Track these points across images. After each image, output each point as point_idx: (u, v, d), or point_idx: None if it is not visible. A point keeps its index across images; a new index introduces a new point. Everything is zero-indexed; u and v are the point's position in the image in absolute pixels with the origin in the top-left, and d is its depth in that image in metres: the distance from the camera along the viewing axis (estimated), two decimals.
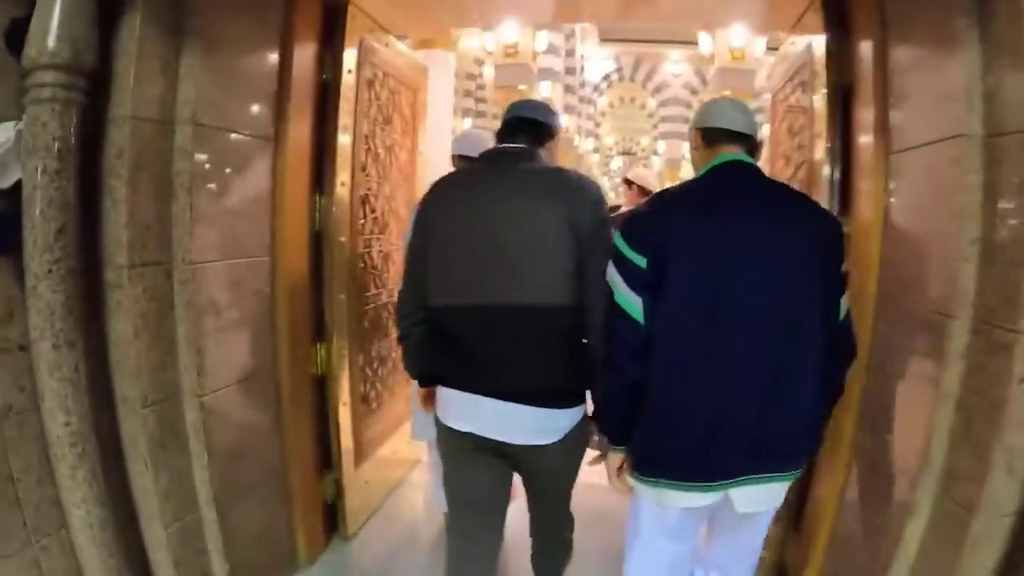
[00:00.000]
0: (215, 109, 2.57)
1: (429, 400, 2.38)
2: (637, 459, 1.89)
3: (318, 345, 3.39)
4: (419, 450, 4.64)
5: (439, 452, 2.32)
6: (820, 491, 2.82)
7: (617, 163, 41.45)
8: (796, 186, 3.11)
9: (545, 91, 20.66)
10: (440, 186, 2.25)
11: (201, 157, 2.51)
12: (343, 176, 3.34)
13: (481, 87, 23.30)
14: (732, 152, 1.90)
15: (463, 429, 2.09)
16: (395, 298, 2.94)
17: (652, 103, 28.28)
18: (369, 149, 3.68)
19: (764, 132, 3.12)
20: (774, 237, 1.75)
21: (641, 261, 1.75)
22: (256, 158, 2.91)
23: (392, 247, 4.09)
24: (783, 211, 1.84)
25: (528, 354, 1.99)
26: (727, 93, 14.83)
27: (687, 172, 29.41)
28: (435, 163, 10.53)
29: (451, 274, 2.07)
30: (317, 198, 3.30)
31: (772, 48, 17.74)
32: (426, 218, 2.17)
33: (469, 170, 2.42)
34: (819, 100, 2.97)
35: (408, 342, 2.29)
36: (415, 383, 2.77)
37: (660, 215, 1.84)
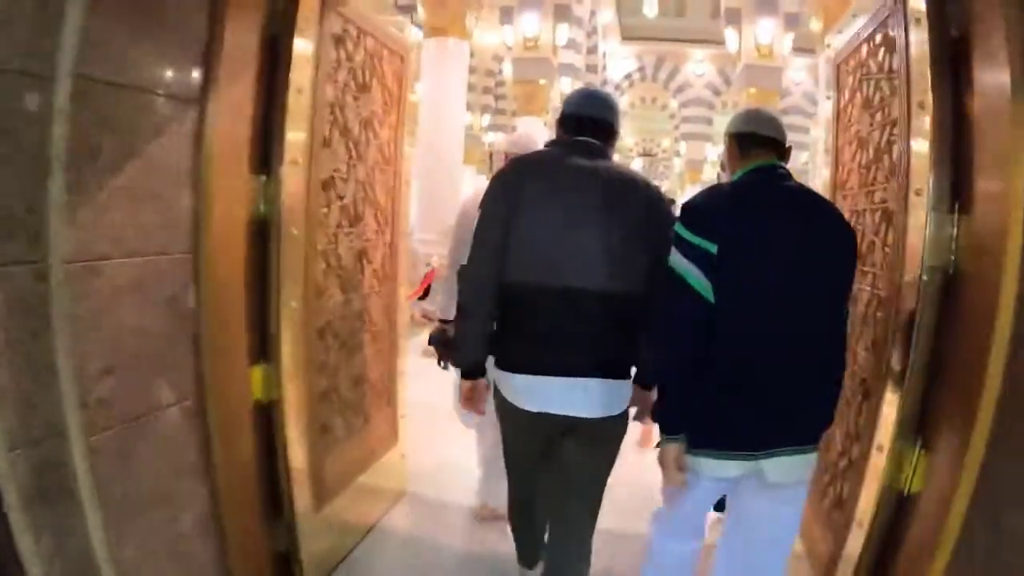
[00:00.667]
0: (112, 59, 1.87)
1: (474, 396, 2.40)
2: (698, 437, 1.99)
3: (262, 365, 2.64)
4: (404, 479, 3.93)
5: (506, 435, 2.43)
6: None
7: (637, 164, 40.87)
8: (881, 175, 2.48)
9: (566, 88, 19.80)
10: (527, 164, 2.30)
11: (88, 121, 1.81)
12: (296, 152, 2.58)
13: (500, 83, 22.74)
14: (765, 157, 2.08)
15: (537, 409, 2.18)
16: (369, 303, 2.94)
17: (674, 104, 27.57)
18: (335, 120, 2.91)
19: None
20: (805, 233, 1.95)
21: (712, 247, 1.89)
22: (173, 125, 2.18)
23: (368, 242, 3.33)
24: (811, 212, 2.04)
25: (602, 334, 2.14)
26: (752, 91, 14.15)
27: (709, 174, 28.73)
28: (444, 154, 10.23)
29: (538, 254, 2.13)
30: (262, 180, 2.54)
31: (800, 49, 17.05)
32: (515, 193, 2.18)
33: (555, 155, 2.29)
34: (918, 60, 2.18)
35: (475, 319, 2.28)
36: (456, 374, 2.77)
37: (721, 208, 1.99)
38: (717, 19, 23.86)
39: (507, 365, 2.25)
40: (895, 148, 2.38)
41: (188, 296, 2.29)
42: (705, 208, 2.01)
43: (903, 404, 2.20)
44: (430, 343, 3.54)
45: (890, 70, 2.44)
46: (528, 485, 2.52)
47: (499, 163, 3.19)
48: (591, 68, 22.20)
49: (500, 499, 3.11)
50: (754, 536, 2.15)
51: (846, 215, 2.45)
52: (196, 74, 2.25)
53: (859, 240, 2.38)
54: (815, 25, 9.42)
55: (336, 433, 3.18)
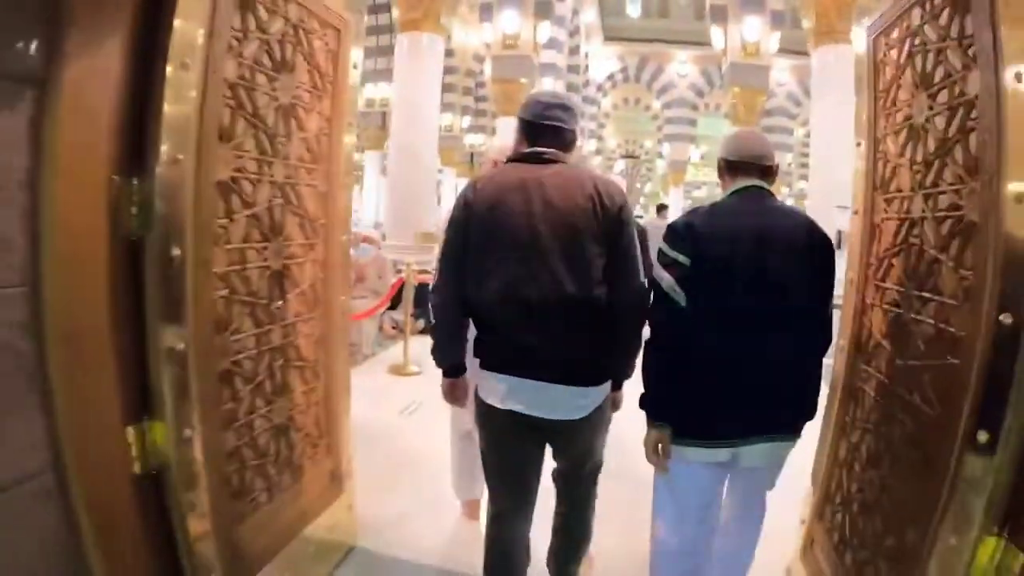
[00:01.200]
0: None
1: (454, 392, 2.52)
2: (681, 427, 2.20)
3: (143, 423, 1.97)
4: (353, 534, 3.33)
5: (481, 433, 2.44)
6: None
7: (620, 166, 40.32)
8: (951, 173, 1.89)
9: (548, 88, 19.52)
10: (482, 184, 2.31)
11: None
12: (178, 147, 1.90)
13: (481, 84, 22.23)
14: (750, 179, 2.26)
15: (510, 408, 2.24)
16: (296, 335, 2.70)
17: (657, 105, 27.07)
18: (240, 106, 2.22)
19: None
20: (782, 245, 2.13)
21: (685, 260, 2.11)
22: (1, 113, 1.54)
23: (292, 260, 2.63)
24: (788, 227, 2.19)
25: (562, 339, 2.17)
26: (737, 91, 13.59)
27: (692, 176, 28.30)
28: (419, 155, 9.66)
29: (492, 267, 2.18)
30: (134, 184, 1.87)
31: (785, 50, 16.48)
32: (470, 211, 2.25)
33: (506, 169, 2.34)
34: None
35: (446, 330, 2.39)
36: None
37: (695, 226, 2.15)
38: (701, 20, 23.63)
39: (485, 365, 2.31)
40: (973, 138, 1.75)
41: (27, 339, 1.64)
42: (682, 226, 2.18)
43: (991, 484, 1.60)
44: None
45: (962, 35, 1.81)
46: (507, 504, 2.48)
47: (488, 167, 3.13)
48: (573, 68, 21.57)
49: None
50: (739, 507, 2.50)
51: (891, 224, 2.33)
52: (35, 44, 1.61)
53: (915, 258, 2.12)
54: (807, 23, 8.98)
55: (255, 496, 2.52)
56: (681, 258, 2.11)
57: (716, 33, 14.21)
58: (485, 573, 2.53)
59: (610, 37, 24.44)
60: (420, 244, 8.92)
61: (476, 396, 2.42)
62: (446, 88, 23.12)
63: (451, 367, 2.47)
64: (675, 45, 24.46)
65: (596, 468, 2.54)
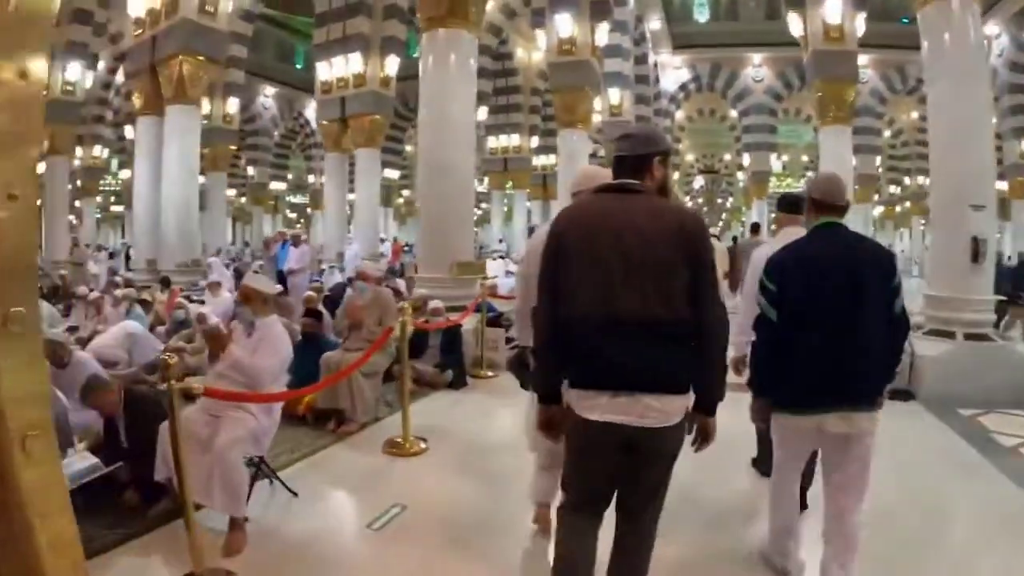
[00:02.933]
0: None
1: (550, 422, 2.42)
2: (779, 400, 2.85)
3: None
4: None
5: (570, 455, 2.40)
6: None
7: (700, 182, 38.36)
8: None
9: (614, 98, 17.77)
10: (570, 214, 2.43)
11: None
12: None
13: (549, 104, 20.59)
14: (830, 217, 2.81)
15: (598, 418, 2.23)
16: None
17: (733, 114, 25.10)
18: None
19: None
20: (854, 269, 2.69)
21: (774, 288, 2.77)
22: None
23: None
24: (865, 256, 2.75)
25: (647, 354, 2.20)
26: (821, 84, 11.73)
27: (772, 185, 26.11)
28: (451, 172, 8.17)
29: (582, 291, 2.26)
30: None
31: (867, 44, 14.15)
32: (561, 242, 2.35)
33: (593, 199, 2.44)
34: None
35: (545, 356, 2.41)
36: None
37: (781, 261, 2.82)
38: (773, 19, 21.75)
39: (576, 384, 2.31)
40: None
41: None
42: (773, 261, 2.86)
43: None
44: (508, 368, 3.73)
45: None
46: (580, 513, 2.42)
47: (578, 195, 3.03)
48: (642, 79, 20.01)
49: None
50: (836, 472, 2.85)
51: None
52: None
53: None
54: None
55: None
56: (771, 287, 2.80)
57: (793, 20, 12.28)
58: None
59: (679, 45, 22.70)
60: (456, 276, 7.55)
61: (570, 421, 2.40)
62: (511, 108, 21.91)
63: (548, 394, 2.42)
64: (748, 48, 22.54)
65: (659, 506, 2.47)
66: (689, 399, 2.31)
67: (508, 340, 7.61)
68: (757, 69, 22.98)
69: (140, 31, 12.00)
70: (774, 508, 3.12)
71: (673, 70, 23.49)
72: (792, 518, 3.08)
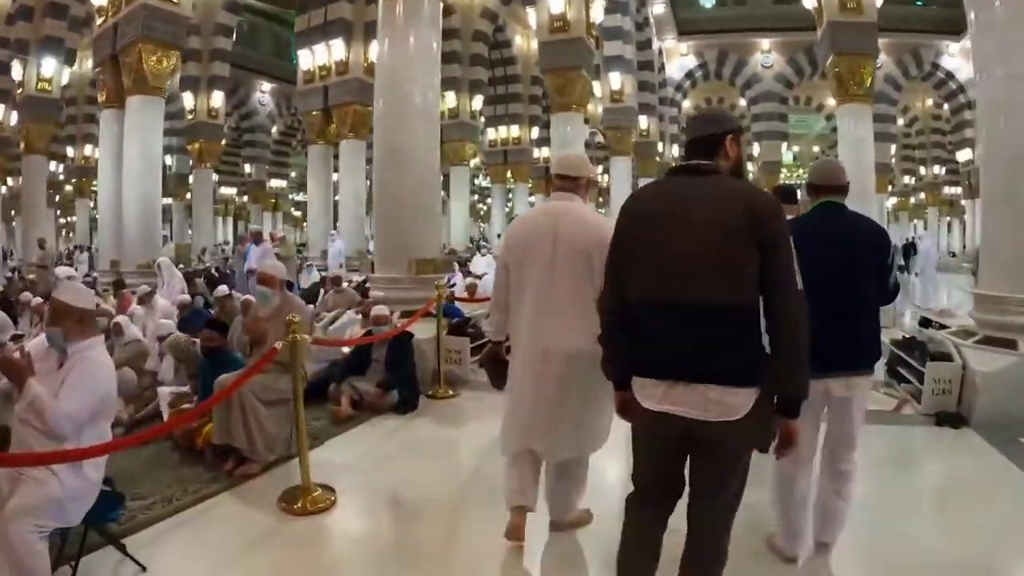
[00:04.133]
0: None
1: (627, 406, 2.23)
2: None
3: None
4: None
5: (634, 444, 2.24)
6: None
7: None
8: None
9: (615, 83, 16.25)
10: (637, 198, 2.33)
11: None
12: None
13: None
14: (827, 197, 2.91)
15: (657, 408, 2.07)
16: None
17: (742, 103, 23.77)
18: None
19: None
20: (853, 242, 2.79)
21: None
22: None
23: None
24: (856, 231, 2.85)
25: (711, 342, 2.00)
26: (837, 59, 10.43)
27: (783, 178, 24.72)
28: (409, 157, 5.92)
29: (645, 274, 2.11)
30: None
31: (884, 29, 12.57)
32: (625, 223, 2.22)
33: (660, 181, 2.33)
34: None
35: (612, 343, 2.27)
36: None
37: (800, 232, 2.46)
38: (782, 2, 20.50)
39: (637, 371, 2.14)
40: None
41: None
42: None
43: None
44: (481, 365, 3.44)
45: None
46: (646, 514, 2.25)
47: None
48: (646, 65, 18.72)
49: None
50: (832, 434, 2.88)
51: None
52: None
53: None
54: None
55: None
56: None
57: None
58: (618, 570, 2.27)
59: (684, 31, 21.36)
60: (416, 276, 6.34)
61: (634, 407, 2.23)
62: (510, 98, 20.63)
63: (620, 380, 2.25)
64: (756, 33, 21.18)
65: (732, 505, 2.17)
66: (755, 393, 2.05)
67: (479, 348, 6.42)
68: (766, 55, 21.62)
69: (103, 19, 11.00)
70: (776, 491, 2.95)
71: (679, 57, 22.17)
72: (798, 506, 2.91)
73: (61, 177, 22.34)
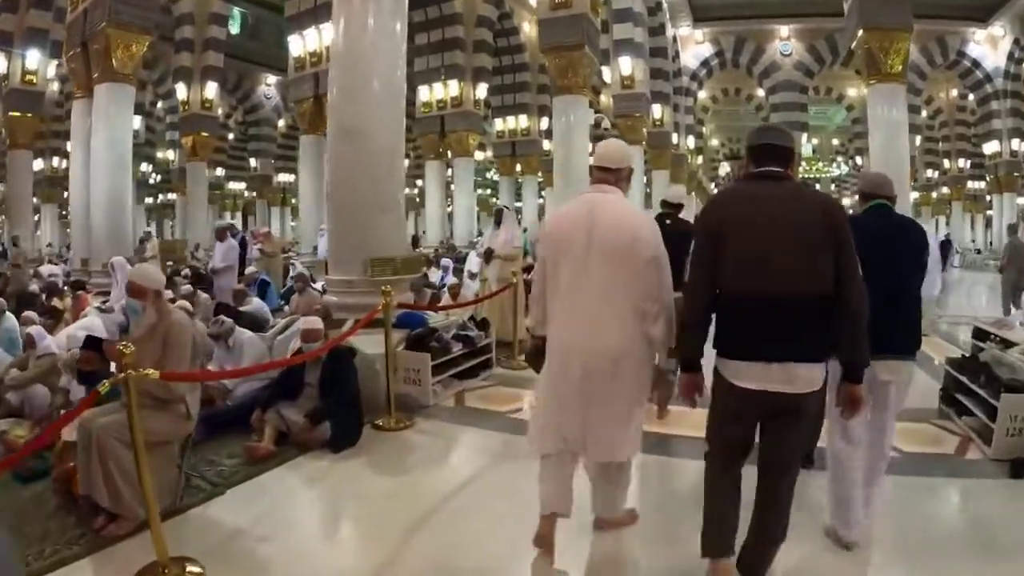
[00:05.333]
0: None
1: (690, 387, 2.50)
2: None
3: None
4: None
5: (717, 417, 2.49)
6: None
7: (726, 168, 35.58)
8: None
9: (625, 67, 14.63)
10: (726, 197, 2.71)
11: None
12: None
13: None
14: (878, 200, 3.09)
15: (750, 387, 2.32)
16: None
17: (760, 93, 22.44)
18: None
19: None
20: (900, 239, 2.98)
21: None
22: None
23: None
24: (904, 229, 3.06)
25: (798, 326, 2.28)
26: (866, 35, 9.21)
27: (803, 171, 23.38)
28: (364, 138, 4.05)
29: (743, 268, 2.32)
30: None
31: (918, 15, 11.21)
32: (711, 222, 2.43)
33: (739, 186, 2.67)
34: None
35: (693, 327, 2.45)
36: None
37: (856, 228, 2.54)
38: None
39: (728, 354, 2.37)
40: None
41: None
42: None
43: None
44: (525, 359, 3.27)
45: None
46: (726, 464, 2.52)
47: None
48: (659, 52, 17.42)
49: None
50: (872, 414, 2.95)
51: None
52: None
53: None
54: None
55: None
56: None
57: None
58: (705, 525, 2.51)
59: (700, 18, 20.04)
60: (372, 278, 5.23)
61: (716, 377, 2.46)
62: (518, 88, 19.43)
63: (691, 361, 2.50)
64: (774, 20, 19.83)
65: (793, 483, 2.49)
66: (825, 367, 2.40)
67: (448, 364, 5.34)
68: (785, 43, 20.24)
69: (74, 6, 10.14)
70: (833, 479, 2.99)
71: (694, 45, 20.84)
72: (852, 486, 2.92)
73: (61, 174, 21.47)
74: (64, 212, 20.71)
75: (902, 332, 2.91)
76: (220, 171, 25.24)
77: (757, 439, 2.46)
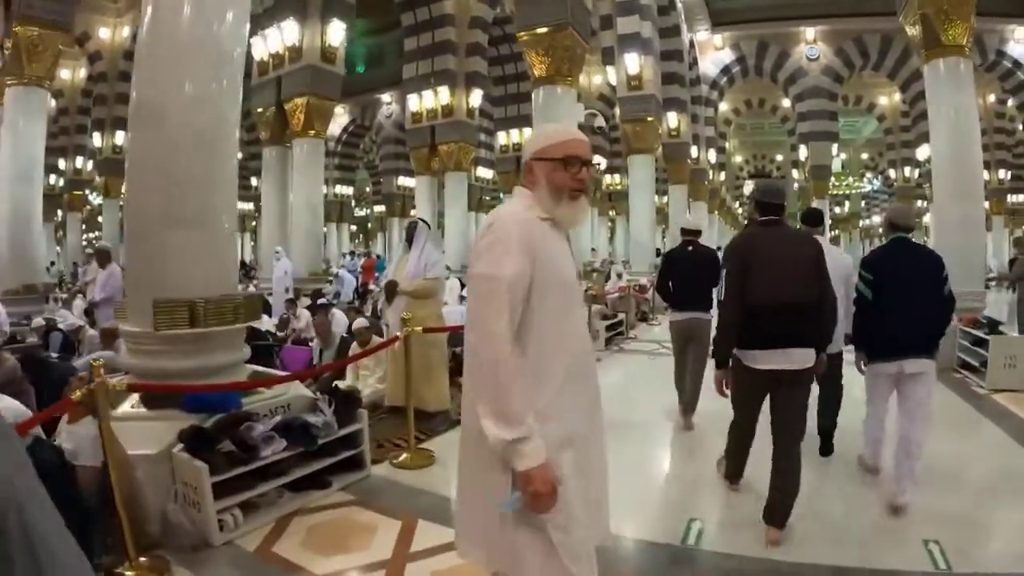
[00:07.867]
0: None
1: (723, 380, 3.29)
2: (872, 354, 3.69)
3: None
4: None
5: (739, 390, 3.31)
6: None
7: (751, 187, 33.07)
8: None
9: (632, 64, 12.10)
10: (751, 240, 3.33)
11: None
12: None
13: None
14: (900, 233, 3.66)
15: (763, 367, 3.13)
16: None
17: (786, 102, 20.12)
18: None
19: None
20: (920, 267, 3.54)
21: (870, 277, 3.60)
22: None
23: None
24: (926, 258, 3.62)
25: (798, 323, 3.08)
26: (920, 15, 7.02)
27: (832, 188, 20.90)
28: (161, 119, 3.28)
29: (763, 287, 3.11)
30: None
31: None
32: (747, 258, 3.20)
33: (754, 231, 3.40)
34: None
35: (728, 331, 3.19)
36: None
37: (874, 260, 3.68)
38: None
39: (748, 345, 3.17)
40: None
41: None
42: (868, 260, 3.71)
43: None
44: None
45: None
46: (747, 423, 3.49)
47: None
48: (673, 54, 15.26)
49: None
50: (908, 401, 3.60)
51: None
52: None
53: None
54: None
55: None
56: (869, 276, 3.60)
57: None
58: (727, 456, 3.80)
59: (719, 22, 17.84)
60: (158, 333, 3.12)
61: (736, 364, 3.26)
62: (521, 98, 16.96)
63: (725, 359, 3.24)
64: (800, 22, 17.57)
65: (802, 430, 3.31)
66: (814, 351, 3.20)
67: (270, 471, 3.27)
68: (811, 46, 17.94)
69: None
70: (868, 430, 4.00)
71: (713, 51, 18.59)
72: (879, 434, 3.95)
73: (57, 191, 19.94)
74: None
75: (926, 338, 3.55)
76: None
77: (769, 414, 3.25)
